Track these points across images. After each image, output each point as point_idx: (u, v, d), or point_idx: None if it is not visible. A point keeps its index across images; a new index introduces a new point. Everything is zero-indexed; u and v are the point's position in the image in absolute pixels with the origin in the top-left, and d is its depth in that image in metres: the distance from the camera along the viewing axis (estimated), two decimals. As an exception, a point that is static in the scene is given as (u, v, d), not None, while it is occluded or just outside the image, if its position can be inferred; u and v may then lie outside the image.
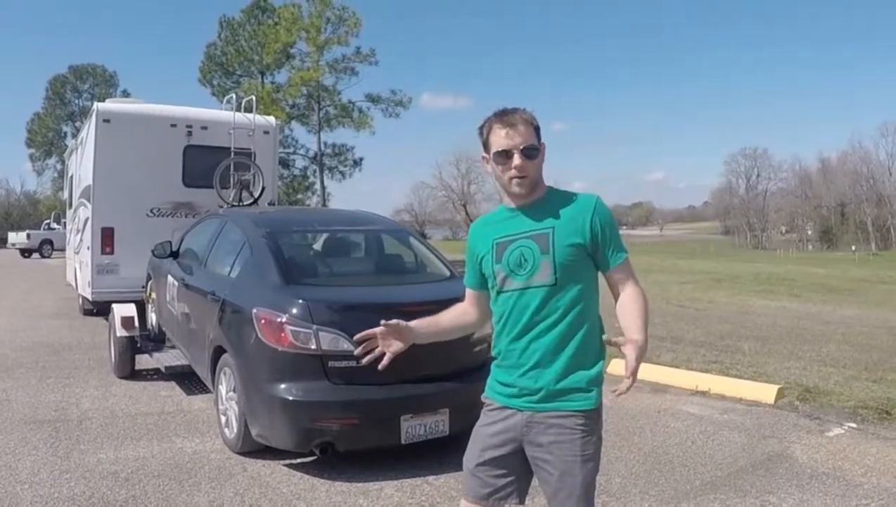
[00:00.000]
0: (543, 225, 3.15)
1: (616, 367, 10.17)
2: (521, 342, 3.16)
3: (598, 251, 3.17)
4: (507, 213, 3.26)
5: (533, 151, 3.14)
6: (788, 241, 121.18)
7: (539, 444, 3.15)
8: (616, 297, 3.26)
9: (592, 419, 3.19)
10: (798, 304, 19.70)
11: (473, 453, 3.29)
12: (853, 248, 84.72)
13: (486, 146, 3.22)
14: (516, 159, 3.10)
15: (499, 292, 3.22)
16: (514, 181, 3.13)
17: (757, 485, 6.01)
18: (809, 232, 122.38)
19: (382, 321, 3.38)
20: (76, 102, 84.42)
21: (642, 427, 7.64)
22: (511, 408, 3.19)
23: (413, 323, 3.43)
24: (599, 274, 3.26)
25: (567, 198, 3.24)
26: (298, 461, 6.44)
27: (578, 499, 3.15)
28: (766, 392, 8.67)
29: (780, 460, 6.66)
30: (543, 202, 3.21)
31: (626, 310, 3.20)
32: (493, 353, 3.32)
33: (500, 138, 3.12)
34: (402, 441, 6.06)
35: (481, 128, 3.24)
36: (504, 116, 3.15)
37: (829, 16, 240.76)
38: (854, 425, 7.71)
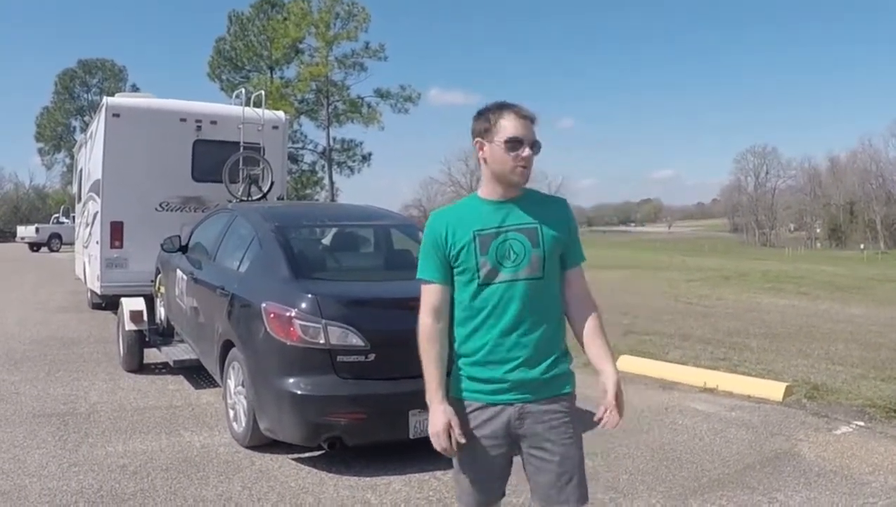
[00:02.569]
0: (530, 220, 3.20)
1: (625, 364, 10.19)
2: (512, 337, 3.16)
3: (568, 249, 3.29)
4: (485, 204, 3.25)
5: (538, 149, 3.20)
6: (797, 239, 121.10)
7: (535, 433, 3.17)
8: (571, 295, 3.31)
9: (573, 402, 3.29)
10: (806, 302, 19.67)
11: (467, 461, 3.27)
12: (862, 246, 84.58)
13: (488, 132, 3.19)
14: (526, 151, 3.14)
15: (481, 285, 3.18)
16: (519, 170, 3.16)
17: (764, 482, 6.01)
18: (818, 230, 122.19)
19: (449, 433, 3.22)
20: (85, 96, 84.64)
21: (650, 424, 7.63)
22: (498, 404, 3.19)
23: (442, 395, 3.23)
24: None
25: (544, 197, 3.40)
26: (307, 455, 6.44)
27: (580, 482, 3.19)
28: (774, 390, 8.66)
29: (787, 457, 6.65)
30: (524, 199, 3.26)
31: (594, 336, 3.27)
32: (466, 350, 3.25)
33: (518, 126, 3.14)
34: (411, 436, 6.04)
35: (487, 112, 3.22)
36: (520, 109, 3.19)
37: (840, 16, 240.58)
38: (862, 423, 7.70)
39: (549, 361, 3.19)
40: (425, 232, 3.32)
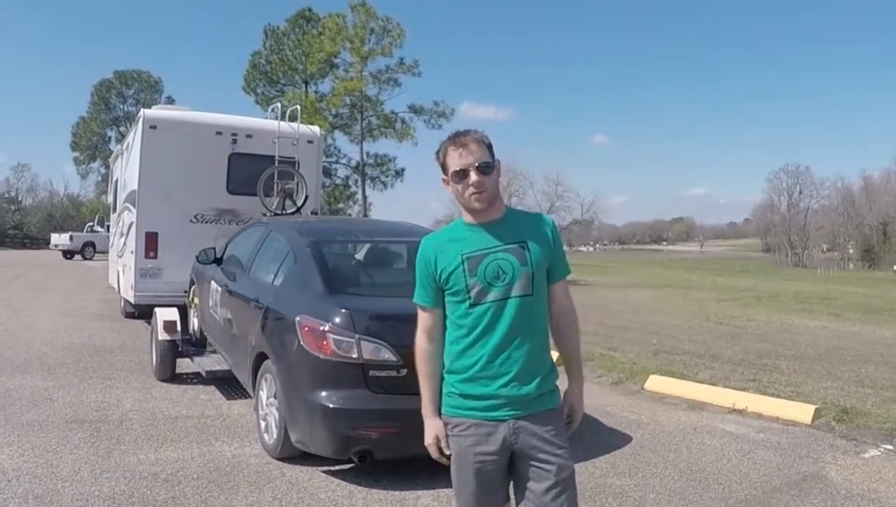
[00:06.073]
0: (516, 240, 3.32)
1: (654, 383, 10.20)
2: (504, 353, 3.26)
3: (553, 264, 3.40)
4: (470, 229, 3.37)
5: (487, 167, 3.29)
6: (829, 259, 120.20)
7: (531, 446, 3.27)
8: (556, 308, 3.48)
9: (560, 416, 3.46)
10: (838, 324, 19.53)
11: (466, 477, 3.39)
12: (895, 268, 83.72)
13: (444, 169, 3.35)
14: (472, 176, 3.25)
15: (472, 305, 3.28)
16: (474, 197, 3.27)
17: (791, 505, 6.01)
18: (851, 251, 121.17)
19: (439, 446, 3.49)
20: (121, 107, 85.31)
21: (678, 444, 7.63)
22: (491, 421, 3.29)
23: (433, 410, 3.52)
24: None
25: (527, 216, 3.53)
26: (336, 468, 6.49)
27: (571, 495, 3.29)
28: (802, 412, 8.63)
29: (815, 480, 6.64)
30: (507, 219, 3.39)
31: (569, 337, 3.55)
32: (457, 367, 3.37)
33: (455, 159, 3.27)
34: (441, 451, 6.07)
35: (438, 153, 3.38)
36: (457, 138, 3.31)
37: (873, 37, 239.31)
38: (890, 447, 7.66)
39: (539, 377, 3.31)
40: (417, 258, 3.49)
